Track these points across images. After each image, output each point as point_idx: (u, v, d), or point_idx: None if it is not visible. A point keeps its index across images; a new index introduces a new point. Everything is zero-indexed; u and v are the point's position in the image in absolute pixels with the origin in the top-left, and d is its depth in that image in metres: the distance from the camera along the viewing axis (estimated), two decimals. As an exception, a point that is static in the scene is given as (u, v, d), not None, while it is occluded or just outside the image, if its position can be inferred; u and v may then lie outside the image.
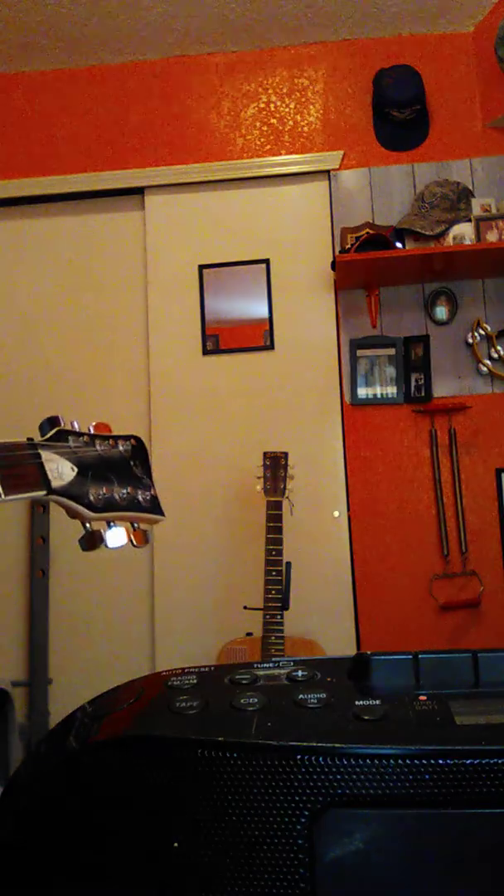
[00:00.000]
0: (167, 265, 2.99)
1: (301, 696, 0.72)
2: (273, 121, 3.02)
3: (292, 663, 0.81)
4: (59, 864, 0.68)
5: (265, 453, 2.56)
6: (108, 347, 3.01)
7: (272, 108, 3.02)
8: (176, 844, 0.64)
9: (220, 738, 0.65)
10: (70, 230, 3.08)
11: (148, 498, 0.89)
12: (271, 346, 2.92)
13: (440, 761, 0.63)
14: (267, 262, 2.95)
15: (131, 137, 3.04)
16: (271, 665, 0.81)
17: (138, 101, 3.05)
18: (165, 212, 3.02)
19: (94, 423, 0.89)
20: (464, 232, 2.73)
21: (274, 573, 2.39)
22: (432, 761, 0.63)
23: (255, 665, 0.82)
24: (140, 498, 0.88)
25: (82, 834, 0.67)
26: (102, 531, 0.84)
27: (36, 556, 2.86)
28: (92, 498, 0.82)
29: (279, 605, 2.37)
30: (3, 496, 0.71)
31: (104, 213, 3.08)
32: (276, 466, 2.53)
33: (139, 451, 0.91)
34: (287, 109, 3.02)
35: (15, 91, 3.09)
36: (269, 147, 3.01)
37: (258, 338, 2.93)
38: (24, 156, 3.06)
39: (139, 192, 3.04)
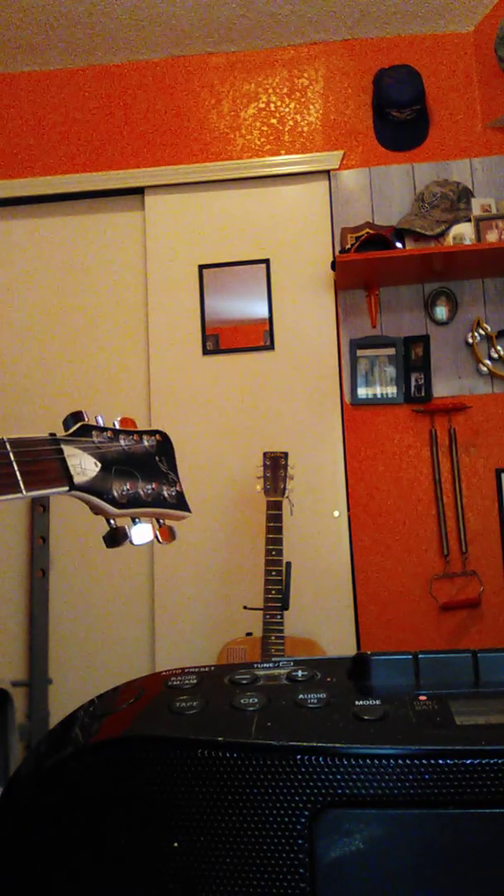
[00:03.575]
0: (167, 265, 2.99)
1: (301, 696, 0.72)
2: (273, 121, 3.02)
3: (292, 663, 0.81)
4: (59, 865, 0.68)
5: (265, 453, 2.56)
6: (108, 347, 3.01)
7: (272, 108, 3.02)
8: (176, 844, 0.64)
9: (219, 738, 0.65)
10: (70, 230, 3.08)
11: (173, 494, 0.87)
12: (271, 346, 2.92)
13: (440, 761, 0.62)
14: (267, 262, 2.95)
15: (131, 137, 3.04)
16: (271, 665, 0.81)
17: (138, 101, 3.05)
18: (165, 212, 3.02)
19: (118, 418, 0.87)
20: (464, 232, 2.73)
21: (274, 573, 2.39)
22: (432, 761, 0.63)
23: (255, 665, 0.81)
24: (165, 494, 0.86)
25: (82, 834, 0.67)
26: (127, 528, 0.82)
27: (36, 556, 2.87)
28: (116, 494, 0.80)
29: (279, 605, 2.37)
30: (24, 492, 0.70)
31: (104, 213, 3.08)
32: (276, 466, 2.53)
33: (165, 446, 0.89)
34: (287, 109, 3.02)
35: (15, 91, 3.09)
36: (268, 147, 3.01)
37: (258, 338, 2.93)
38: (25, 156, 3.06)
39: (139, 192, 3.04)
